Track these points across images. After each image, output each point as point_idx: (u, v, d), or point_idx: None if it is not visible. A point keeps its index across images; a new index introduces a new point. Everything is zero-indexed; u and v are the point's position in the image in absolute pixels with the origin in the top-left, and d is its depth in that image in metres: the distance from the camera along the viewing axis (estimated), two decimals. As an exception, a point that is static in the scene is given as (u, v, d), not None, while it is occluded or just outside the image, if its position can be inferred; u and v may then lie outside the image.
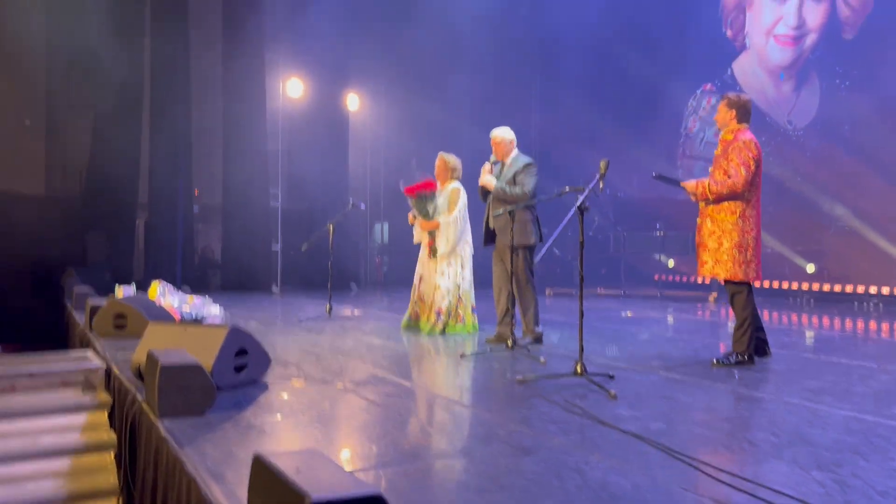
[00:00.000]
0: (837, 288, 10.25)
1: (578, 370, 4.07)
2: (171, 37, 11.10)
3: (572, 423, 3.22)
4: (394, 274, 14.59)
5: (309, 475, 1.69)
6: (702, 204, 4.86)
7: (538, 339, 5.81)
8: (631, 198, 12.47)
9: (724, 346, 5.89)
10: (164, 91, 11.06)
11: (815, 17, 11.36)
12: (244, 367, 3.95)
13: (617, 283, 12.04)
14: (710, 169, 4.91)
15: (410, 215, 6.69)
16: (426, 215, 6.39)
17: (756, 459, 2.72)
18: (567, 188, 4.91)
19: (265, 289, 11.57)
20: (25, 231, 10.32)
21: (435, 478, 2.44)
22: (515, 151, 5.96)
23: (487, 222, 5.93)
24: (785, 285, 10.92)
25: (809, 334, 6.79)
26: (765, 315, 8.32)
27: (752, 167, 4.61)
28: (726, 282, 4.76)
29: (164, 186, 11.10)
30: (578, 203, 4.11)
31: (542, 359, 4.88)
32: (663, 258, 12.95)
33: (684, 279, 12.70)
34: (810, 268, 10.59)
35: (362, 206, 7.97)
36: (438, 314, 6.31)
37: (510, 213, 5.26)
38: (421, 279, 6.59)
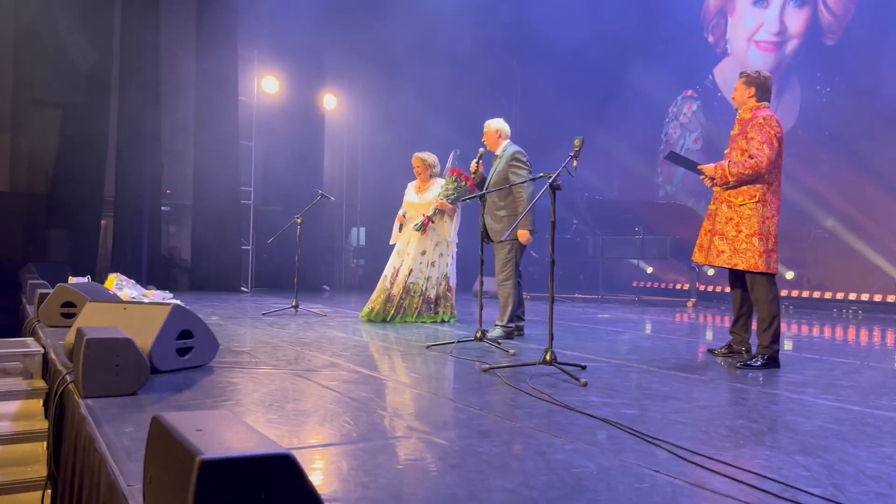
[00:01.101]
0: (817, 294, 10.11)
1: (548, 359, 3.82)
2: (141, 30, 10.80)
3: (538, 408, 2.97)
4: (370, 277, 14.30)
5: (210, 435, 1.42)
6: (716, 189, 4.52)
7: (509, 335, 5.55)
8: (610, 202, 12.29)
9: (703, 347, 5.67)
10: (133, 86, 10.74)
11: (796, 23, 11.30)
12: (189, 349, 3.66)
13: (595, 288, 11.83)
14: (727, 151, 4.55)
15: (400, 215, 6.76)
16: (449, 197, 6.44)
17: (735, 444, 2.48)
18: (541, 174, 4.68)
19: (236, 289, 11.24)
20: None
21: (383, 458, 2.18)
22: (505, 142, 5.75)
23: (483, 222, 5.70)
24: (764, 292, 10.75)
25: (789, 336, 6.60)
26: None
27: (776, 144, 4.26)
28: (746, 273, 4.36)
29: (132, 184, 10.75)
30: (551, 180, 3.89)
31: (511, 350, 4.63)
32: (642, 264, 12.78)
33: (663, 285, 12.52)
34: (789, 275, 10.45)
35: (332, 198, 7.68)
36: (428, 303, 6.52)
37: (482, 198, 5.02)
38: (398, 272, 6.57)
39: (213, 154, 11.27)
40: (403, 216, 6.74)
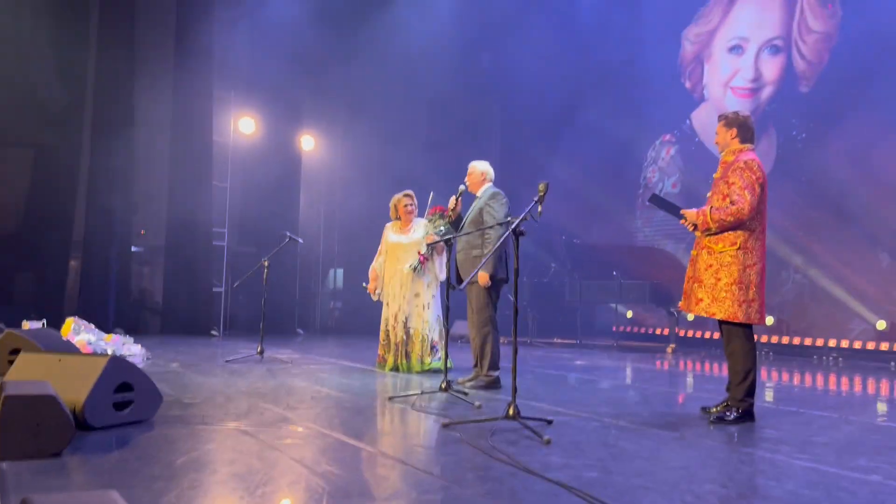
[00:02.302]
0: (797, 341, 9.98)
1: (511, 413, 3.63)
2: (115, 70, 10.68)
3: (493, 471, 2.76)
4: (346, 320, 14.05)
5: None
6: (698, 234, 4.35)
7: (492, 384, 5.33)
8: (588, 245, 12.19)
9: (683, 396, 5.49)
10: (106, 126, 10.57)
11: (771, 70, 11.40)
12: (128, 404, 3.43)
13: (573, 332, 11.65)
14: (709, 194, 4.39)
15: (374, 267, 6.67)
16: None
17: (701, 515, 2.29)
18: (510, 217, 4.56)
19: (207, 333, 10.95)
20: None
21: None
22: (488, 185, 5.63)
23: (456, 262, 5.54)
24: (744, 338, 10.62)
25: (769, 385, 6.43)
26: (723, 370, 7.97)
27: (758, 190, 4.10)
28: (723, 323, 4.19)
29: (102, 224, 10.52)
30: (514, 226, 3.74)
31: (476, 403, 4.43)
32: (621, 308, 12.64)
33: (642, 330, 12.37)
34: (769, 320, 10.33)
35: (300, 241, 7.50)
36: (434, 347, 6.26)
37: (446, 241, 4.86)
38: (395, 318, 6.36)
39: (187, 195, 11.09)
40: (377, 269, 6.57)
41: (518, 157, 13.61)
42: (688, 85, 12.76)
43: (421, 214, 6.50)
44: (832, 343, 9.56)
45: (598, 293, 10.55)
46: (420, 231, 6.30)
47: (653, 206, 4.51)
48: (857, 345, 9.32)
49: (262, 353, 7.02)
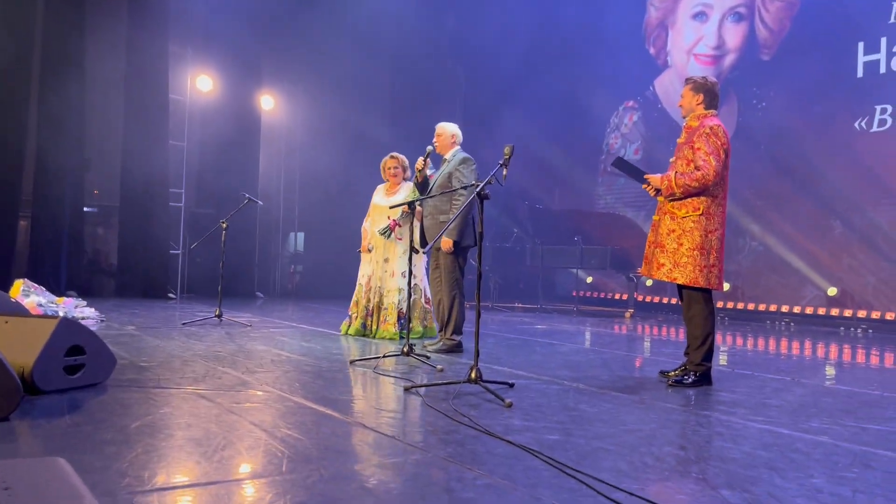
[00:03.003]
0: (751, 307, 10.21)
1: (473, 376, 3.62)
2: (65, 21, 10.25)
3: (456, 434, 2.75)
4: (306, 284, 13.94)
5: (18, 498, 1.17)
6: (661, 199, 4.34)
7: (455, 348, 5.34)
8: (550, 211, 12.23)
9: (641, 360, 5.56)
10: (55, 80, 10.17)
11: (734, 37, 11.45)
12: (79, 367, 3.34)
13: (534, 297, 11.75)
14: (672, 160, 4.38)
15: (365, 226, 6.42)
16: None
17: (660, 476, 2.31)
18: (475, 181, 4.50)
19: (164, 295, 10.75)
20: None
21: (261, 500, 1.93)
22: (456, 148, 5.56)
23: (422, 226, 5.48)
24: (701, 303, 10.82)
25: (724, 349, 6.56)
26: (680, 334, 8.11)
27: (723, 156, 4.09)
28: (684, 288, 4.22)
29: (52, 183, 10.18)
30: (478, 189, 3.69)
31: (439, 367, 4.42)
32: (581, 274, 12.76)
33: (601, 295, 12.52)
34: (725, 286, 10.52)
35: (259, 203, 7.35)
36: (400, 319, 6.08)
37: (410, 205, 4.79)
38: (369, 280, 6.23)
39: (143, 154, 10.78)
40: (367, 228, 6.40)
41: (480, 119, 13.50)
42: (652, 51, 12.76)
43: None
44: (785, 309, 9.80)
45: (559, 258, 10.61)
46: (402, 195, 6.16)
47: (616, 170, 4.48)
48: (809, 310, 9.57)
49: (220, 316, 6.91)
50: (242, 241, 11.81)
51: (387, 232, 6.00)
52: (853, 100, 9.76)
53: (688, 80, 4.40)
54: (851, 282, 9.41)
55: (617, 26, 13.09)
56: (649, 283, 11.76)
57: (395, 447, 2.53)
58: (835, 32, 10.07)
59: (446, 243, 5.18)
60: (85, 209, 11.09)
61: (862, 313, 9.03)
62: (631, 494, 2.06)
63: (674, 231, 4.21)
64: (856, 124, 9.71)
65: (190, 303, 10.08)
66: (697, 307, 4.19)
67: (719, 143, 4.12)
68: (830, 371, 5.33)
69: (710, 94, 4.32)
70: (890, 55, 9.51)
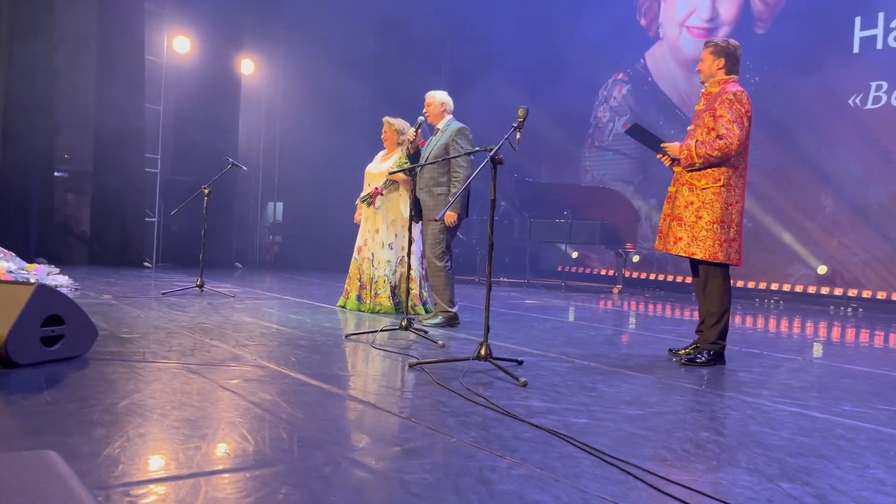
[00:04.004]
0: (740, 283, 10.11)
1: (483, 353, 3.40)
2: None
3: (475, 415, 2.54)
4: (285, 255, 13.62)
5: (9, 497, 0.92)
6: (677, 169, 4.11)
7: (451, 321, 5.13)
8: (539, 184, 12.00)
9: (627, 338, 5.39)
10: (23, 37, 9.62)
11: (728, 10, 11.24)
12: (58, 338, 3.06)
13: (520, 272, 11.57)
14: (690, 128, 4.14)
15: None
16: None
17: (708, 466, 2.11)
18: (478, 147, 4.24)
19: (139, 264, 10.38)
20: None
21: (286, 492, 1.70)
22: (449, 117, 5.28)
23: (418, 198, 5.21)
24: (688, 280, 10.73)
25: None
26: (675, 311, 7.98)
27: (746, 124, 3.87)
28: (701, 263, 4.00)
29: (20, 146, 9.68)
30: (492, 153, 3.44)
31: (440, 342, 4.20)
32: (567, 249, 12.61)
33: (587, 270, 12.38)
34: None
35: (244, 168, 7.02)
36: (393, 292, 5.80)
37: (409, 172, 4.53)
38: (360, 251, 5.93)
39: (116, 117, 10.32)
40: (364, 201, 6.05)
41: (465, 87, 13.17)
42: (643, 23, 12.51)
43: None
44: (774, 286, 9.72)
45: (548, 233, 10.41)
46: (391, 162, 5.84)
47: (630, 136, 4.25)
48: (799, 288, 9.49)
49: (201, 286, 6.61)
50: (220, 210, 11.43)
51: (367, 199, 5.74)
52: (848, 76, 9.62)
53: (708, 44, 4.17)
54: (842, 260, 9.35)
55: (608, -4, 12.81)
56: (636, 259, 11.64)
57: (412, 430, 2.31)
58: (831, 7, 9.89)
59: (450, 217, 4.95)
60: (56, 174, 10.62)
61: (852, 292, 8.98)
62: (688, 489, 1.86)
63: (692, 203, 4.00)
64: (850, 101, 9.59)
65: (166, 272, 9.73)
66: (715, 283, 4.00)
67: (743, 109, 3.91)
68: (840, 351, 5.20)
69: (732, 59, 4.10)
70: (887, 31, 9.37)
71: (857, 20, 9.65)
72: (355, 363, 3.60)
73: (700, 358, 3.99)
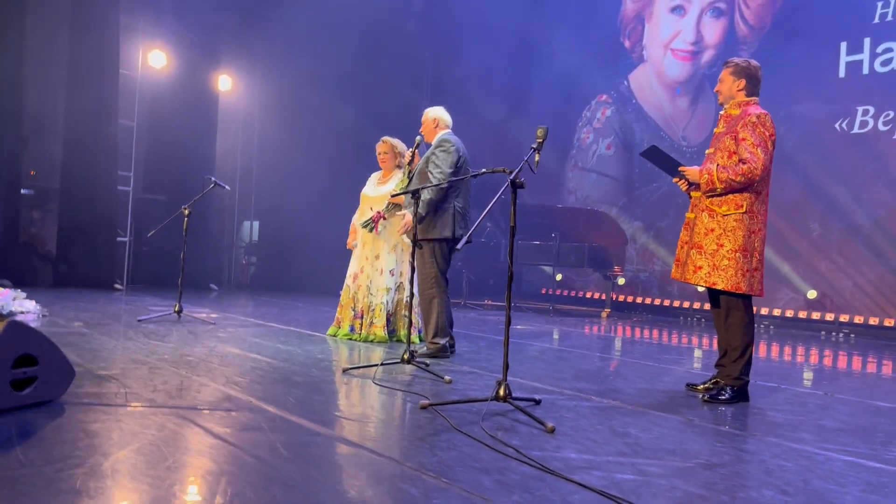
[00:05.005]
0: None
1: (501, 393, 3.12)
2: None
3: (510, 472, 2.25)
4: (261, 276, 13.21)
5: None
6: (695, 194, 3.90)
7: (437, 353, 4.83)
8: (527, 206, 11.79)
9: (615, 365, 5.15)
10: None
11: (712, 33, 11.20)
12: (30, 381, 2.71)
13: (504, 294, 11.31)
14: (709, 151, 3.95)
15: (354, 221, 5.79)
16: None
17: (792, 537, 1.85)
18: (484, 169, 4.00)
19: (109, 286, 9.92)
20: None
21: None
22: (442, 133, 5.02)
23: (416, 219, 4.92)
24: (676, 304, 10.57)
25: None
26: (672, 337, 7.81)
27: (770, 148, 3.69)
28: (722, 294, 3.79)
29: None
30: (512, 176, 3.19)
31: (446, 377, 3.90)
32: (549, 271, 12.40)
33: (573, 293, 12.18)
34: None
35: (227, 187, 6.69)
36: (389, 319, 5.48)
37: (413, 194, 4.26)
38: (356, 278, 5.60)
39: (87, 133, 9.90)
40: (355, 222, 5.80)
41: (448, 106, 12.92)
42: (627, 44, 12.44)
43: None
44: (764, 311, 9.58)
45: (535, 255, 10.18)
46: (392, 185, 5.56)
47: (646, 158, 4.03)
48: (789, 313, 9.37)
49: (179, 311, 6.23)
50: (195, 229, 10.98)
51: (369, 224, 5.45)
52: (834, 100, 9.59)
53: (727, 64, 3.98)
54: (830, 285, 9.25)
55: (591, 17, 12.74)
56: (621, 281, 11.47)
57: (446, 494, 2.02)
58: (817, 31, 9.88)
59: (409, 222, 4.68)
60: (21, 191, 10.15)
61: (844, 317, 8.87)
62: (788, 572, 1.60)
63: (713, 230, 3.78)
64: (836, 125, 9.55)
65: (138, 294, 9.30)
66: (737, 315, 3.77)
67: (767, 133, 3.73)
68: (854, 384, 5.01)
69: (753, 80, 3.92)
70: (873, 56, 9.36)
71: (843, 45, 9.64)
72: (361, 404, 3.29)
73: (723, 395, 3.75)
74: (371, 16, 12.18)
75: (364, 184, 5.83)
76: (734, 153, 3.75)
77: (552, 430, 2.83)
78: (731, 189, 3.72)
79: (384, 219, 5.37)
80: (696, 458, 2.58)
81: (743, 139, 3.71)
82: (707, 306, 10.16)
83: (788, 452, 2.75)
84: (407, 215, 4.72)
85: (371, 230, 5.45)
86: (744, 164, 3.67)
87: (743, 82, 3.89)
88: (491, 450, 2.51)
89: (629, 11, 12.42)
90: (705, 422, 3.24)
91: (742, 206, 3.73)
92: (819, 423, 3.36)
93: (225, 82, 12.18)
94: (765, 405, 3.74)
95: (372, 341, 5.43)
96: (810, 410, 3.67)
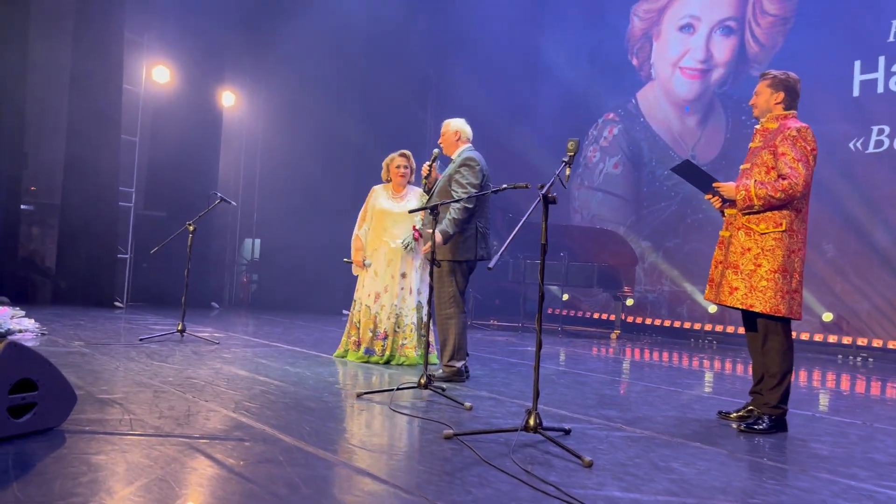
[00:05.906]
0: (741, 330, 9.74)
1: (531, 423, 2.92)
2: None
3: (556, 515, 2.05)
4: (263, 294, 13.00)
5: None
6: (730, 212, 3.72)
7: (454, 376, 4.63)
8: (535, 224, 11.63)
9: (638, 390, 4.94)
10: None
11: (722, 51, 11.09)
12: (29, 407, 2.51)
13: (510, 314, 11.11)
14: (744, 166, 3.77)
15: (358, 235, 5.52)
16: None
17: None
18: (505, 185, 3.83)
19: (109, 304, 9.71)
20: None
21: None
22: (464, 146, 4.85)
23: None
24: (687, 325, 10.37)
25: (739, 379, 6.02)
26: (684, 359, 7.60)
27: (812, 163, 3.50)
28: (760, 317, 3.60)
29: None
30: (544, 191, 3.02)
31: (466, 404, 3.70)
32: (556, 291, 12.20)
33: (579, 314, 11.97)
34: (712, 308, 10.09)
35: (233, 203, 6.51)
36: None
37: (432, 210, 4.08)
38: (379, 297, 5.35)
39: (89, 148, 9.73)
40: (361, 237, 5.47)
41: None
42: (635, 63, 12.34)
43: (417, 182, 5.48)
44: (778, 334, 9.36)
45: (545, 275, 9.97)
46: (415, 201, 5.36)
47: (678, 174, 3.84)
48: (805, 336, 9.16)
49: (182, 331, 6.02)
50: (196, 247, 10.81)
51: (411, 244, 5.26)
52: (849, 120, 9.46)
53: (764, 76, 3.80)
54: (846, 307, 9.06)
55: (599, 35, 12.65)
56: (630, 302, 11.26)
57: (491, 541, 1.81)
58: (831, 50, 9.76)
59: (438, 238, 4.48)
60: (21, 206, 9.96)
61: (862, 341, 8.66)
62: None
63: (750, 249, 3.60)
64: (851, 145, 9.41)
65: (139, 313, 9.08)
66: (776, 340, 3.58)
67: (808, 147, 3.54)
68: (890, 412, 4.80)
69: (792, 93, 3.74)
70: (888, 75, 9.24)
71: (857, 64, 9.53)
72: (381, 433, 3.08)
73: (760, 424, 3.55)
74: (375, 32, 12.09)
75: (364, 200, 5.60)
76: (772, 168, 3.57)
77: (590, 465, 2.62)
78: (770, 206, 3.53)
79: (421, 236, 5.14)
80: (750, 498, 2.38)
81: (783, 154, 3.53)
82: (719, 328, 10.01)
83: (848, 491, 2.55)
84: (437, 234, 4.52)
85: (412, 250, 5.28)
86: (784, 179, 3.49)
87: (781, 95, 3.71)
88: (529, 487, 2.30)
89: (637, 30, 12.32)
90: (750, 455, 3.03)
91: (781, 224, 3.54)
92: (868, 457, 3.16)
93: (228, 98, 12.04)
94: (805, 436, 3.54)
95: (403, 363, 5.22)
96: (853, 442, 3.47)
